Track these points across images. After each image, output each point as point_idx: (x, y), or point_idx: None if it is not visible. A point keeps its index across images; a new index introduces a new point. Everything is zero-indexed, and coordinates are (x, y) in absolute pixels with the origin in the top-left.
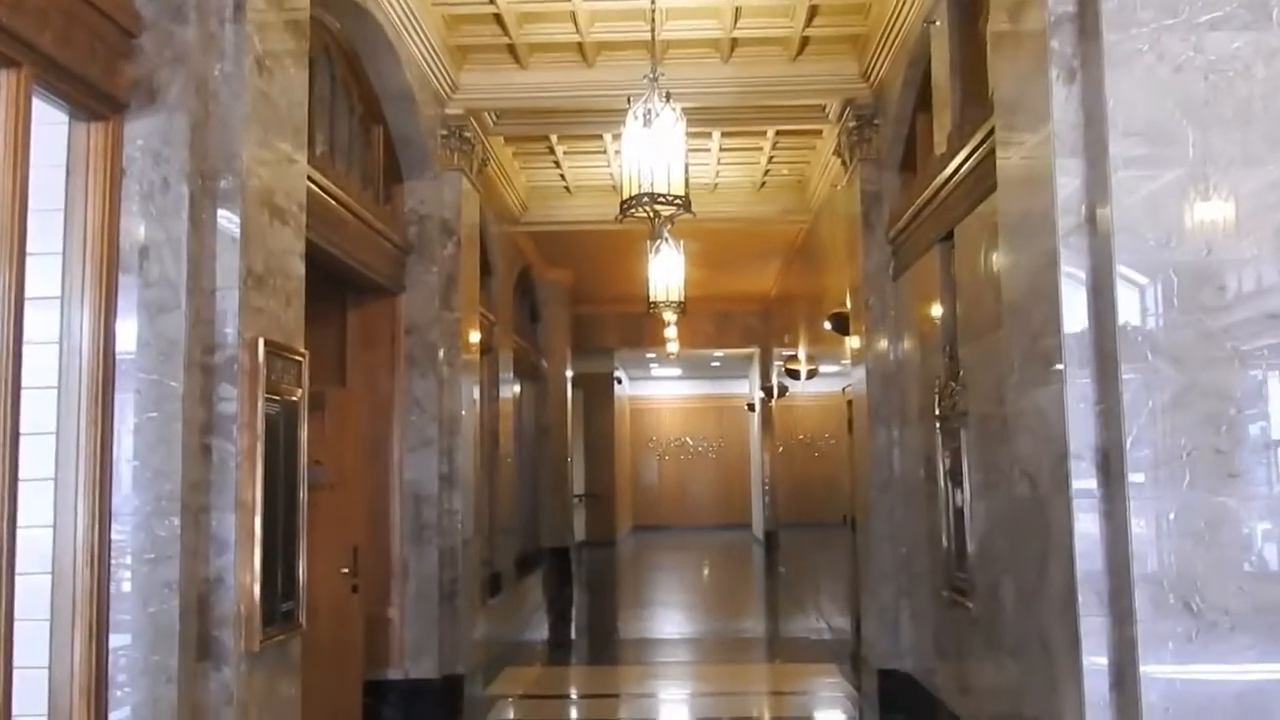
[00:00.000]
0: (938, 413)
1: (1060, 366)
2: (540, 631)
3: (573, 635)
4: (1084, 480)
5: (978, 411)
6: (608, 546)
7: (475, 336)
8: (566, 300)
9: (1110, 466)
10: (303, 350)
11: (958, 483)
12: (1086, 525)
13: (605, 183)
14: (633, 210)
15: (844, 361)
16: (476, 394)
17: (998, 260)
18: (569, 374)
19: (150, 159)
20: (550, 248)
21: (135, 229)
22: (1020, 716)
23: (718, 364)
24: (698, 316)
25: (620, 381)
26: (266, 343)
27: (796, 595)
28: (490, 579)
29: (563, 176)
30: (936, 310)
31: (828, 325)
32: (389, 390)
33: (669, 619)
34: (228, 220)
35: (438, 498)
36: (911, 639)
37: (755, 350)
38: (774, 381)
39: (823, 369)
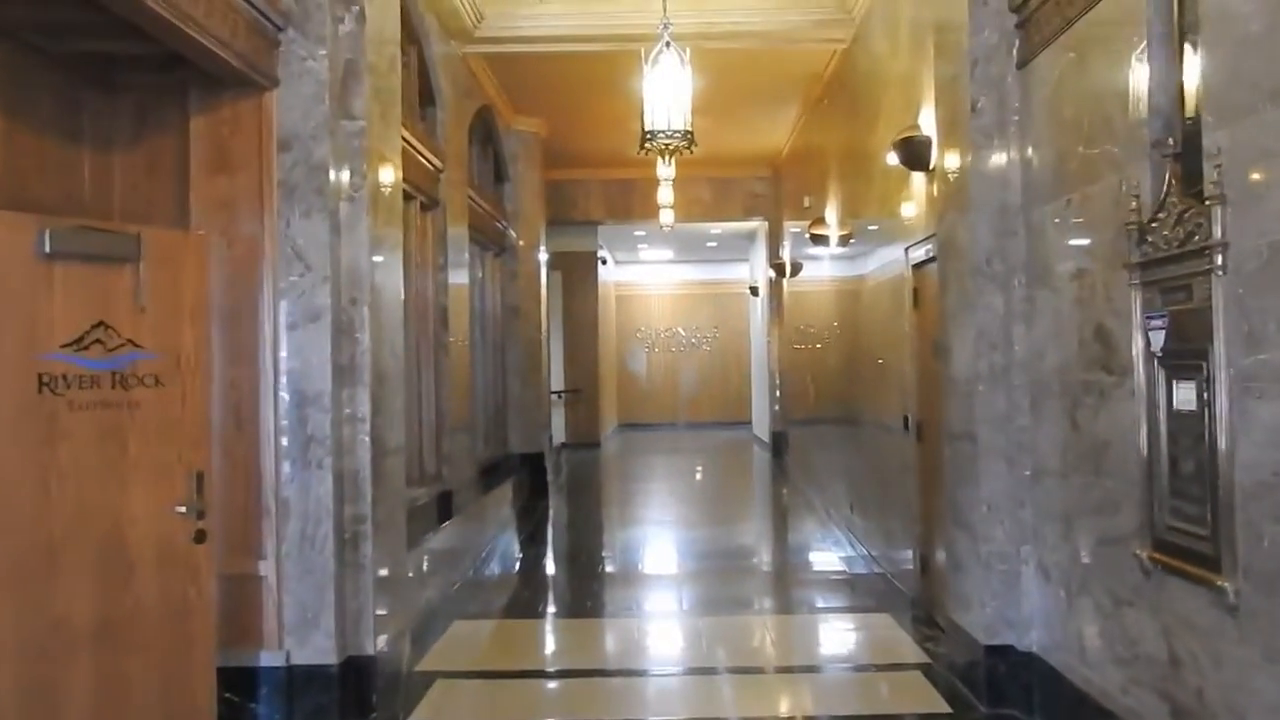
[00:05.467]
0: (1138, 258)
1: None
2: (504, 565)
3: (547, 569)
4: None
5: (1258, 240)
6: (591, 448)
7: (394, 160)
8: (539, 159)
9: None
10: None
11: (1182, 371)
12: None
13: None
14: None
15: (910, 210)
16: (399, 247)
17: None
18: (543, 251)
19: None
20: (516, 82)
21: None
22: None
23: (714, 244)
24: (693, 183)
25: (605, 262)
26: None
27: (819, 515)
28: (439, 500)
29: None
30: (1136, 85)
31: (892, 159)
32: (254, 236)
33: (664, 543)
34: None
35: (332, 397)
36: (1042, 605)
37: (760, 224)
38: (786, 257)
39: (866, 229)
